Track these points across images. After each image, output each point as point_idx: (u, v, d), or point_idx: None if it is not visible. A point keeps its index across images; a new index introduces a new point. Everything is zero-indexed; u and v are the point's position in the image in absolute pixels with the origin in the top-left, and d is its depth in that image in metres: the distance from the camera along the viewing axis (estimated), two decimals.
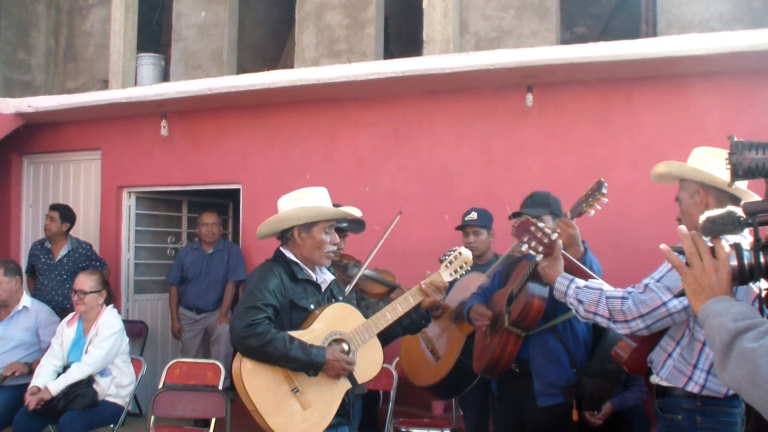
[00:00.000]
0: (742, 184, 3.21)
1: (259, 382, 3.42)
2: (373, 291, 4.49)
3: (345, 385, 3.57)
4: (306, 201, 3.70)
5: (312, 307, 3.62)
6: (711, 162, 3.25)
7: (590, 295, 3.16)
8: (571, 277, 3.32)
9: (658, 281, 3.02)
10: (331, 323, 3.58)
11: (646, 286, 3.03)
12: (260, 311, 3.44)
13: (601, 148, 6.11)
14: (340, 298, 3.81)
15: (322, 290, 3.74)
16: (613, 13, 9.95)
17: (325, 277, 3.77)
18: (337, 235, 3.80)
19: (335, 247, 3.78)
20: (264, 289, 3.50)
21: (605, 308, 3.07)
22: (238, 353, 3.49)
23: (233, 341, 3.49)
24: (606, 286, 3.20)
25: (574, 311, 3.26)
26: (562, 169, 6.15)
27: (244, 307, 3.46)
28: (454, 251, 3.78)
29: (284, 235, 3.74)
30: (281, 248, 3.75)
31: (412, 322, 3.78)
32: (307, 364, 3.43)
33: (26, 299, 6.17)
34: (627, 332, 3.07)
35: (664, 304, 2.95)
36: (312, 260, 3.70)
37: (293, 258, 3.69)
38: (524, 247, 3.46)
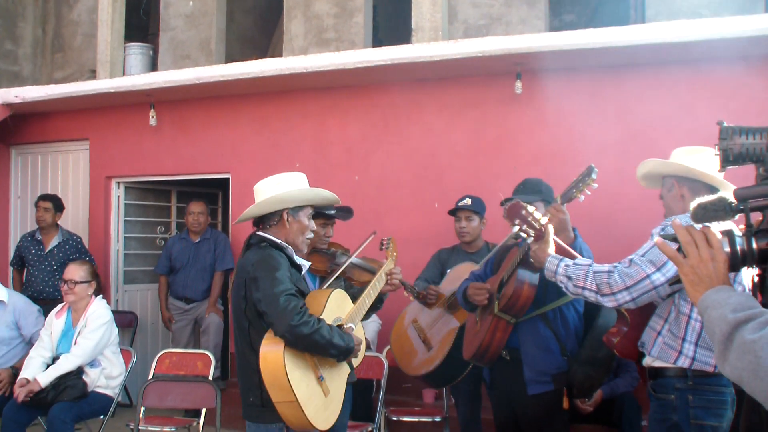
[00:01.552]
0: (707, 168, 3.32)
1: (296, 372, 3.28)
2: (360, 279, 4.48)
3: (346, 369, 3.63)
4: (292, 184, 3.63)
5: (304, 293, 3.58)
6: (685, 157, 3.42)
7: (579, 270, 3.26)
8: (561, 257, 3.42)
9: (642, 256, 3.14)
10: (335, 309, 3.59)
11: (631, 260, 3.16)
12: (299, 298, 3.32)
13: (591, 135, 6.10)
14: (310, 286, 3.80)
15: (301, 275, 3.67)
16: None
17: (302, 263, 3.68)
18: (313, 222, 3.75)
19: (312, 234, 3.74)
20: (285, 276, 3.35)
21: (593, 282, 3.19)
22: (267, 340, 3.29)
23: (281, 331, 3.23)
24: (594, 263, 3.30)
25: (564, 288, 3.36)
26: (551, 156, 6.14)
27: (284, 295, 3.26)
28: (387, 240, 4.33)
29: (271, 219, 3.58)
30: (264, 233, 3.58)
31: (372, 306, 4.00)
32: (345, 350, 3.40)
33: (2, 292, 5.90)
34: (614, 305, 3.17)
35: (648, 276, 3.07)
36: (295, 245, 3.60)
37: (282, 242, 3.55)
38: (515, 229, 3.53)
